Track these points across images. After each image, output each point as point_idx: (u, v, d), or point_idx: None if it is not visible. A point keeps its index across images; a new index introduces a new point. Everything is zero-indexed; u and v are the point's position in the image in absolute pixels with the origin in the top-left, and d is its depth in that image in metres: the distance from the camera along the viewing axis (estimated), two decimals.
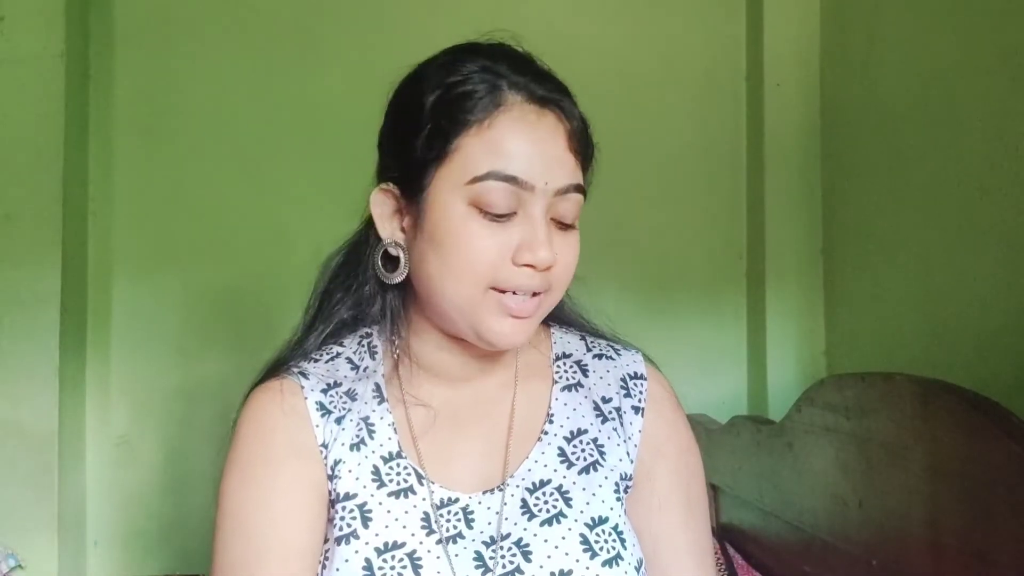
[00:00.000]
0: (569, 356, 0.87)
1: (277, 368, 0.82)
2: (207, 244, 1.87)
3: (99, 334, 1.83)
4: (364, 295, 0.84)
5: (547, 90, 0.75)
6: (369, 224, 0.81)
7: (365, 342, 0.85)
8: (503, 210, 0.72)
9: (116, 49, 1.86)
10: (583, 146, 0.77)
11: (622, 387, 0.85)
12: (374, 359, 0.84)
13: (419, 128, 0.74)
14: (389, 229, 0.79)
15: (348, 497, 0.76)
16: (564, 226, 0.76)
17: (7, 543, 1.66)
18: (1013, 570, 0.82)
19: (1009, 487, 0.83)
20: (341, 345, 0.85)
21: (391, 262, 0.79)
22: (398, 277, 0.78)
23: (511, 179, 0.72)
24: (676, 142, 1.97)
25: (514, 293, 0.74)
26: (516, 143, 0.72)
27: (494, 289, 0.74)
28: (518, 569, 0.74)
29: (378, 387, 0.82)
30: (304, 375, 0.81)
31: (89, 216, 1.84)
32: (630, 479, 0.82)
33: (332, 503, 0.77)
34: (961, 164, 1.36)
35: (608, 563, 0.75)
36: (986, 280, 1.30)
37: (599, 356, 0.87)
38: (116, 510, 1.83)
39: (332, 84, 1.89)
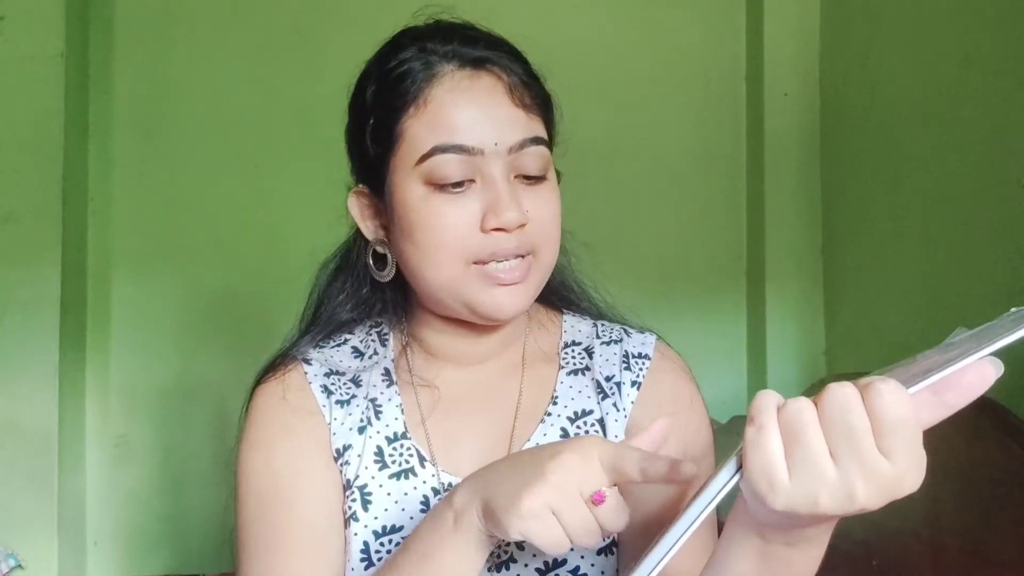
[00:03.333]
0: (579, 344, 0.84)
1: (279, 360, 0.83)
2: (206, 244, 1.87)
3: (99, 334, 1.83)
4: (363, 297, 0.83)
5: (478, 50, 0.73)
6: (358, 227, 0.81)
7: (375, 332, 0.85)
8: (458, 178, 0.71)
9: (116, 49, 1.86)
10: (534, 97, 0.74)
11: (624, 363, 0.82)
12: (384, 346, 0.83)
13: (366, 123, 0.75)
14: (371, 229, 0.79)
15: (353, 482, 0.76)
16: (532, 180, 0.74)
17: (7, 543, 1.66)
18: (1013, 570, 0.82)
19: (1009, 487, 0.83)
20: (351, 333, 0.85)
21: (381, 260, 0.79)
22: (387, 275, 0.78)
23: (457, 148, 0.70)
24: (676, 142, 1.97)
25: (497, 262, 0.72)
26: (454, 112, 0.71)
27: (476, 263, 0.72)
28: (512, 559, 0.74)
29: (387, 371, 0.82)
30: (307, 361, 0.81)
31: (89, 216, 1.83)
32: None
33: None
34: (961, 164, 1.36)
35: (604, 551, 0.75)
36: (986, 280, 1.30)
37: (607, 342, 0.84)
38: (116, 510, 1.83)
39: (331, 85, 1.87)
